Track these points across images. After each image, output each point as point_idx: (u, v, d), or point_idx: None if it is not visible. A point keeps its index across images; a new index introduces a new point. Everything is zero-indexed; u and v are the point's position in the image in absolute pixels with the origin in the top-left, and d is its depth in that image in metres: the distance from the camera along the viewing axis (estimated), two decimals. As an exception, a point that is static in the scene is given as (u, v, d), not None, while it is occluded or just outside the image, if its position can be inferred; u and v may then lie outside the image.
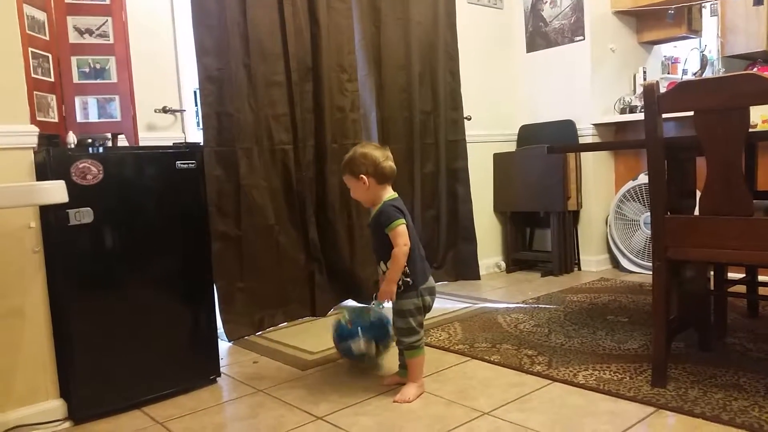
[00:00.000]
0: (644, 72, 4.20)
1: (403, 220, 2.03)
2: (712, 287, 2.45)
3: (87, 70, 2.27)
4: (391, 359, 2.32)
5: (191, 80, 2.96)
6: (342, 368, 2.42)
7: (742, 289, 2.62)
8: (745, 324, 2.66)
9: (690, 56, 4.33)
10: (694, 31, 4.05)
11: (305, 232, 3.14)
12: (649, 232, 3.74)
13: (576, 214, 4.14)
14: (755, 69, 4.07)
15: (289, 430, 1.89)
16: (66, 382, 2.02)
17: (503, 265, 4.31)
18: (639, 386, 2.03)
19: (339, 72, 3.24)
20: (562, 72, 4.13)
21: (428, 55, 3.72)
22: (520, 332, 2.73)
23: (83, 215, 1.98)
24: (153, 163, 2.15)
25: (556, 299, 3.33)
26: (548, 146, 2.75)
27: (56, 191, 1.62)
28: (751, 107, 1.81)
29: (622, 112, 4.06)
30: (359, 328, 2.22)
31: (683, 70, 4.41)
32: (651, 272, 2.06)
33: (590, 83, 4.01)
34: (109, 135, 2.30)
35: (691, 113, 1.89)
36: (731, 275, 2.57)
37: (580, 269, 4.16)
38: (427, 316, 2.73)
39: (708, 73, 4.06)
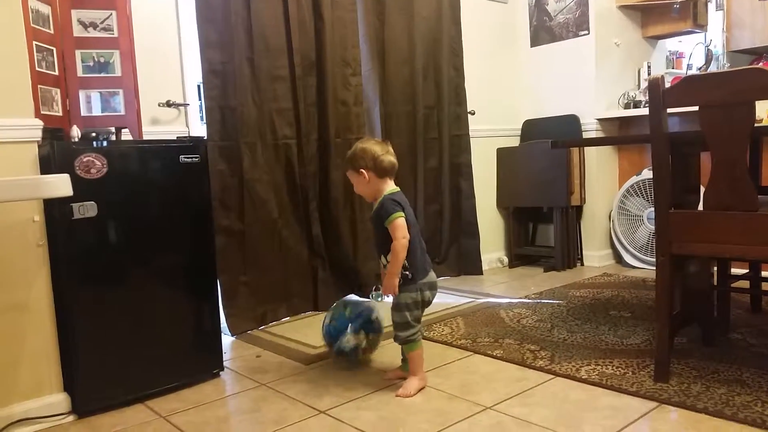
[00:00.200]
0: (649, 67, 4.18)
1: (402, 213, 2.03)
2: (715, 282, 2.44)
3: (91, 63, 2.27)
4: (392, 354, 2.33)
5: (195, 74, 2.96)
6: (344, 363, 2.43)
7: (745, 284, 2.62)
8: (749, 319, 2.66)
9: (695, 51, 4.31)
10: (700, 25, 4.03)
11: (308, 227, 3.14)
12: (652, 227, 3.73)
13: (579, 210, 4.14)
14: (761, 64, 4.06)
15: (292, 423, 1.89)
16: (70, 375, 2.03)
17: (506, 260, 4.31)
18: (642, 381, 2.03)
19: (343, 66, 3.23)
20: (566, 67, 4.12)
21: (432, 50, 3.71)
22: (522, 327, 2.73)
23: (87, 209, 1.98)
24: (157, 157, 2.15)
25: (558, 294, 3.33)
26: (552, 141, 2.75)
27: (61, 185, 1.62)
28: (756, 102, 1.80)
29: (627, 107, 4.05)
30: (344, 323, 2.27)
31: (688, 64, 4.39)
32: (654, 267, 2.06)
33: (594, 78, 4.00)
34: (113, 129, 2.30)
35: (696, 108, 1.88)
36: (735, 271, 2.57)
37: (583, 264, 4.15)
38: (430, 310, 2.74)
39: (713, 68, 4.04)
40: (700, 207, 1.97)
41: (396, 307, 2.08)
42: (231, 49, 2.83)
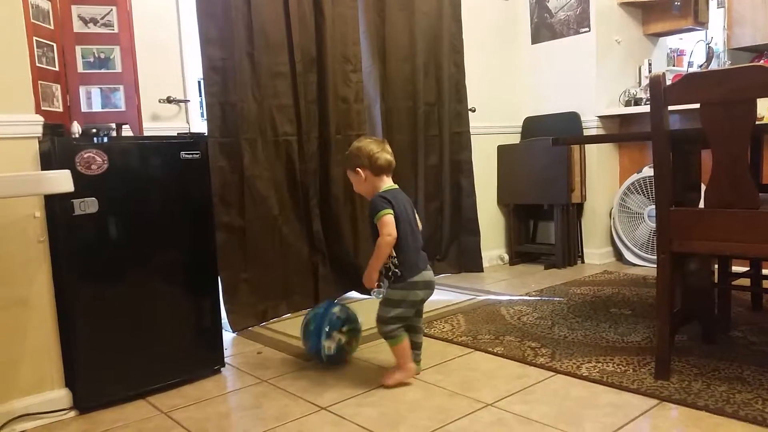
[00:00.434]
0: (650, 64, 4.18)
1: (390, 210, 2.03)
2: (716, 280, 2.44)
3: (91, 59, 2.26)
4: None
5: (195, 70, 2.95)
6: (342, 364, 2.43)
7: (746, 282, 2.62)
8: (749, 317, 2.66)
9: (696, 48, 4.31)
10: (701, 23, 4.03)
11: (309, 224, 3.14)
12: (653, 225, 3.73)
13: (580, 207, 4.13)
14: (762, 61, 4.05)
15: (293, 420, 1.90)
16: (71, 371, 2.03)
17: (506, 257, 4.31)
18: (642, 378, 2.03)
19: (343, 63, 3.23)
20: (567, 64, 4.12)
21: (433, 46, 3.70)
22: (523, 324, 2.73)
23: (88, 205, 1.98)
24: (157, 153, 2.15)
25: (559, 292, 3.33)
26: (553, 138, 2.75)
27: (62, 180, 1.62)
28: (757, 99, 1.80)
29: (627, 104, 4.04)
30: (314, 339, 2.27)
31: (689, 62, 4.39)
32: (655, 265, 2.06)
33: (595, 75, 3.99)
34: (113, 125, 2.29)
35: (697, 106, 1.88)
36: (735, 268, 2.57)
37: (583, 262, 4.16)
38: (431, 307, 2.75)
39: (714, 66, 4.04)
40: (701, 205, 1.97)
41: (384, 302, 2.11)
42: (231, 45, 2.82)
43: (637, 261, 3.94)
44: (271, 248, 3.00)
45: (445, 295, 3.36)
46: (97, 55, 2.28)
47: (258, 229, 2.94)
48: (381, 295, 2.16)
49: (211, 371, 2.33)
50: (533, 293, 3.33)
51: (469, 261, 3.95)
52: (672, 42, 4.54)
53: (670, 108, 1.95)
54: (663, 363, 2.02)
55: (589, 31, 3.98)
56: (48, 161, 1.94)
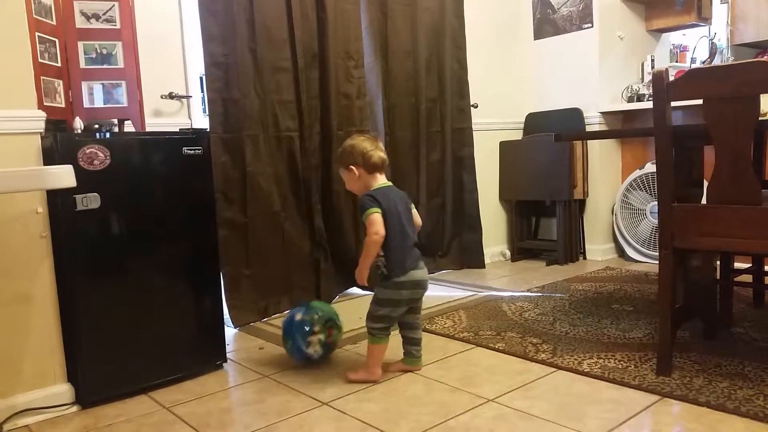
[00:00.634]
0: (652, 60, 4.17)
1: (377, 209, 2.03)
2: (718, 276, 2.44)
3: (94, 55, 2.26)
4: (393, 346, 2.33)
5: (198, 66, 2.95)
6: (347, 355, 2.44)
7: (748, 278, 2.61)
8: (751, 313, 2.66)
9: (699, 44, 4.29)
10: (704, 18, 4.01)
11: (311, 220, 3.14)
12: (655, 221, 3.73)
13: (582, 203, 4.13)
14: (765, 57, 4.04)
15: (295, 415, 1.90)
16: (73, 366, 2.03)
17: (508, 253, 4.31)
18: (644, 375, 2.03)
19: (345, 58, 3.22)
20: (569, 60, 4.11)
21: (435, 42, 3.70)
22: (524, 320, 2.73)
23: (90, 200, 1.98)
24: (160, 149, 2.15)
25: (561, 288, 3.33)
26: (555, 134, 2.74)
27: (65, 176, 1.62)
28: (760, 95, 1.79)
29: (630, 100, 4.03)
30: (294, 341, 2.25)
31: (692, 58, 4.37)
32: (657, 262, 2.06)
33: (598, 71, 3.98)
34: (115, 120, 2.30)
35: (700, 101, 1.87)
36: (737, 265, 2.57)
37: (585, 258, 4.15)
38: (432, 303, 2.74)
39: (717, 62, 4.03)
40: (704, 201, 1.96)
41: (372, 299, 2.12)
42: (233, 41, 2.82)
43: (639, 257, 3.94)
44: (272, 244, 3.00)
45: (446, 291, 3.36)
46: (99, 51, 2.28)
47: (260, 225, 2.94)
48: None
49: (212, 366, 2.33)
50: (535, 289, 3.33)
51: (470, 257, 3.95)
52: (675, 38, 4.52)
53: (673, 104, 1.95)
54: (664, 359, 2.02)
55: (592, 26, 3.97)
56: (50, 157, 1.94)
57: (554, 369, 2.15)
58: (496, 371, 2.17)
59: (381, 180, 2.14)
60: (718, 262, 2.45)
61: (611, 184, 4.14)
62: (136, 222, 2.10)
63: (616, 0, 4.04)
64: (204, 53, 2.78)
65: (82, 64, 2.26)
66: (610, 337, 2.43)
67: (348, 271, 3.29)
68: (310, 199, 3.12)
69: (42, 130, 1.97)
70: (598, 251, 4.12)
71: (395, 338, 2.29)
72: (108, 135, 2.06)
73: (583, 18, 4.00)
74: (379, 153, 2.12)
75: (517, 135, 4.36)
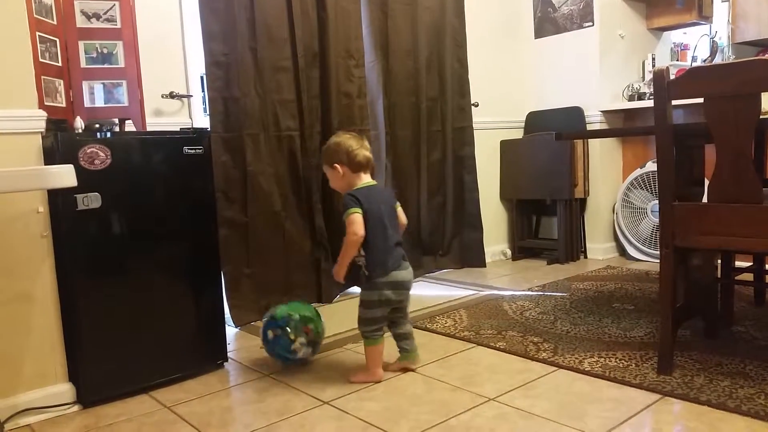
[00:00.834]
0: (653, 59, 4.16)
1: (357, 210, 2.02)
2: (719, 275, 2.44)
3: (94, 54, 2.26)
4: (390, 345, 2.33)
5: (198, 65, 2.95)
6: (348, 354, 2.44)
7: (749, 277, 2.61)
8: (752, 312, 2.66)
9: (700, 43, 4.29)
10: (705, 17, 4.01)
11: (311, 219, 3.14)
12: (656, 220, 3.73)
13: (583, 202, 4.13)
14: (766, 56, 4.03)
15: (296, 414, 1.90)
16: (74, 366, 2.03)
17: (509, 252, 4.31)
18: (645, 373, 2.03)
19: (346, 58, 3.22)
20: (570, 58, 4.11)
21: (436, 41, 3.70)
22: (525, 319, 2.73)
23: (91, 200, 1.99)
24: (160, 148, 2.15)
25: (562, 287, 3.33)
26: (556, 133, 2.74)
27: (65, 175, 1.62)
28: (762, 94, 1.79)
29: (631, 99, 4.03)
30: (279, 355, 2.25)
31: (693, 56, 4.37)
32: (657, 260, 2.06)
33: (599, 70, 3.98)
34: (116, 120, 2.30)
35: (701, 100, 1.87)
36: (738, 263, 2.57)
37: (586, 257, 4.15)
38: (434, 302, 2.74)
39: (718, 60, 4.02)
40: (705, 199, 1.96)
41: (360, 303, 2.13)
42: (234, 40, 2.82)
43: (640, 256, 3.93)
44: (273, 244, 3.00)
45: (447, 290, 3.36)
46: (99, 51, 2.28)
47: (261, 225, 2.94)
48: None
49: (213, 366, 2.34)
50: (536, 288, 3.33)
51: (471, 256, 3.94)
52: (676, 36, 4.52)
53: (674, 102, 1.94)
54: (665, 358, 2.02)
55: (593, 25, 3.96)
56: (51, 156, 1.94)
57: (555, 368, 2.15)
58: (496, 370, 2.17)
59: (365, 179, 2.13)
60: (719, 261, 2.45)
61: (612, 183, 4.13)
62: (137, 221, 2.10)
63: (617, -2, 4.04)
64: (204, 52, 2.78)
65: (83, 64, 2.26)
66: (611, 336, 2.43)
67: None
68: (310, 198, 3.12)
69: (43, 130, 1.97)
70: (599, 250, 4.12)
71: (389, 340, 2.30)
72: (109, 134, 2.06)
73: (583, 16, 4.00)
74: (364, 152, 2.11)
75: (518, 134, 4.36)
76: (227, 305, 2.77)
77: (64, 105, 2.20)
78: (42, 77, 2.05)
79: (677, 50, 4.49)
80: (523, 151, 4.19)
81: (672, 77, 1.93)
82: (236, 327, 2.86)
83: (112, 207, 2.03)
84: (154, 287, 2.15)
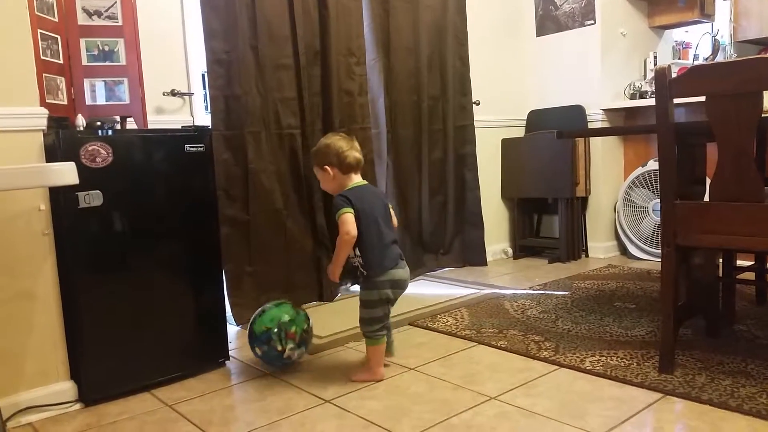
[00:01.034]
0: (655, 57, 4.16)
1: (349, 209, 2.03)
2: (720, 274, 2.44)
3: (96, 52, 2.26)
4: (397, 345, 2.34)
5: (199, 63, 2.95)
6: (349, 353, 2.44)
7: (751, 276, 2.61)
8: (754, 311, 2.66)
9: (702, 41, 4.28)
10: (707, 15, 4.00)
11: (313, 217, 3.14)
12: (657, 218, 3.72)
13: (584, 201, 4.13)
14: (768, 54, 4.02)
15: (298, 412, 1.90)
16: (76, 364, 2.04)
17: (510, 251, 4.31)
18: (646, 372, 2.03)
19: (347, 56, 3.22)
20: (572, 56, 4.10)
21: (437, 39, 3.69)
22: (527, 318, 2.73)
23: (92, 198, 1.99)
24: (162, 146, 2.15)
25: (563, 285, 3.33)
26: (557, 131, 2.74)
27: (67, 173, 1.62)
28: (763, 92, 1.79)
29: (632, 97, 4.03)
30: (271, 362, 2.24)
31: (694, 55, 4.36)
32: (659, 259, 2.06)
33: (600, 68, 3.97)
34: (117, 118, 2.30)
35: (703, 98, 1.87)
36: (740, 262, 2.57)
37: (587, 256, 4.15)
38: (435, 301, 2.74)
39: (720, 59, 4.02)
40: (706, 198, 1.96)
41: (360, 303, 2.13)
42: (235, 38, 2.82)
43: (642, 255, 3.93)
44: (275, 242, 3.00)
45: (448, 289, 3.36)
46: (101, 48, 2.28)
47: (262, 223, 2.94)
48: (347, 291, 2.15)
49: (215, 364, 2.34)
50: (537, 287, 3.33)
51: (472, 255, 3.94)
52: (678, 34, 4.52)
53: (676, 101, 1.94)
54: (667, 357, 2.02)
55: (595, 23, 3.96)
56: (53, 154, 1.94)
57: (556, 367, 2.15)
58: (498, 369, 2.17)
59: (356, 179, 2.14)
60: (721, 260, 2.45)
61: (613, 182, 4.13)
62: (139, 219, 2.10)
63: (619, -3, 4.03)
64: (206, 50, 2.77)
65: (84, 61, 2.26)
66: (613, 335, 2.43)
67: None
68: (312, 196, 3.12)
69: (44, 128, 1.97)
70: (600, 249, 4.11)
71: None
72: (110, 132, 2.06)
73: (585, 15, 3.99)
74: (354, 153, 2.12)
75: (520, 132, 4.35)
76: (228, 303, 2.77)
77: (65, 102, 2.20)
78: (43, 75, 2.05)
79: (679, 48, 4.48)
80: (524, 149, 4.19)
81: (674, 76, 1.92)
82: (237, 325, 2.86)
83: (113, 205, 2.03)
84: (155, 285, 2.15)
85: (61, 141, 1.92)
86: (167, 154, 2.16)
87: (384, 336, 2.14)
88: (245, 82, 2.85)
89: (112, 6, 2.26)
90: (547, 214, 4.34)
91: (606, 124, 4.03)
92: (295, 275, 3.09)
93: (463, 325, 2.67)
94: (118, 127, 2.28)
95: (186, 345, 2.24)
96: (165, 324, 2.18)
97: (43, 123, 1.96)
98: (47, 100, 2.06)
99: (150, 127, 2.44)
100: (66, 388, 2.03)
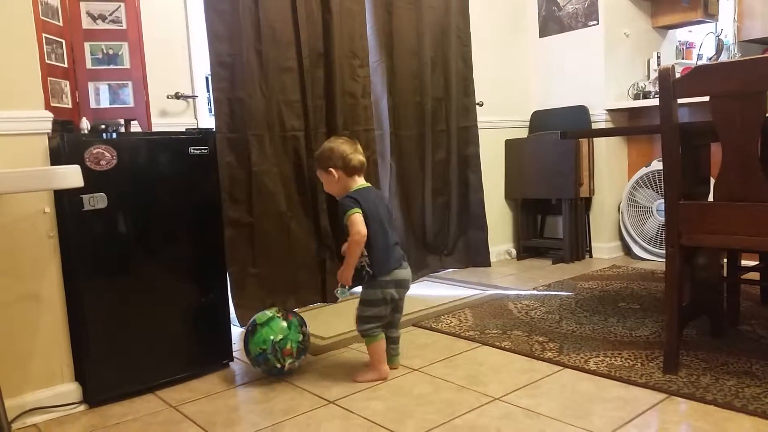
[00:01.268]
0: (658, 57, 4.15)
1: (357, 210, 2.05)
2: (725, 274, 2.43)
3: (100, 55, 2.27)
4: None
5: (203, 66, 2.96)
6: (353, 354, 2.44)
7: (755, 276, 2.60)
8: (758, 311, 2.65)
9: (705, 41, 4.27)
10: (710, 15, 4.00)
11: (316, 219, 3.14)
12: (661, 219, 3.72)
13: (588, 201, 4.12)
14: (772, 54, 4.02)
15: (302, 413, 1.91)
16: (81, 365, 2.05)
17: (514, 252, 4.30)
18: (650, 373, 2.02)
19: (351, 58, 3.22)
20: (575, 57, 4.10)
21: (440, 41, 3.69)
22: (531, 319, 2.73)
23: (97, 200, 1.99)
24: (166, 149, 2.16)
25: (567, 286, 3.33)
26: (561, 132, 2.74)
27: (72, 176, 1.63)
28: (768, 92, 1.79)
29: (636, 97, 4.02)
30: (270, 373, 2.21)
31: (698, 55, 4.36)
32: (663, 260, 2.05)
33: (604, 68, 3.97)
34: (122, 121, 2.31)
35: (707, 98, 1.86)
36: (745, 262, 2.56)
37: (591, 256, 4.14)
38: (438, 302, 2.74)
39: (723, 58, 4.02)
40: (710, 198, 1.95)
41: (360, 301, 2.14)
42: (239, 41, 2.82)
43: (646, 255, 3.92)
44: (279, 244, 3.00)
45: (452, 290, 3.36)
46: (105, 52, 2.29)
47: (266, 225, 2.95)
48: (344, 294, 2.15)
49: (219, 365, 2.34)
50: (541, 288, 3.32)
51: (476, 255, 3.94)
52: (681, 34, 4.51)
53: (680, 101, 1.94)
54: (671, 357, 2.01)
55: (598, 24, 3.95)
56: (57, 157, 1.95)
57: (560, 367, 2.15)
58: (502, 370, 2.17)
59: (360, 182, 2.16)
60: (725, 260, 2.44)
61: (617, 182, 4.12)
62: (143, 221, 2.11)
63: (622, -3, 4.03)
64: (210, 53, 2.78)
65: (89, 65, 2.27)
66: (617, 336, 2.42)
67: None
68: (315, 198, 3.12)
69: (49, 131, 1.98)
70: (604, 249, 4.11)
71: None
72: (114, 135, 2.07)
73: (588, 15, 3.99)
74: (358, 156, 2.14)
75: (523, 133, 4.35)
76: (233, 305, 2.78)
77: (70, 106, 2.21)
78: (48, 78, 2.06)
79: (683, 48, 4.48)
80: (528, 150, 4.18)
81: (677, 76, 1.92)
82: (242, 327, 2.86)
83: (118, 207, 2.04)
84: (159, 287, 2.16)
85: (65, 144, 1.93)
86: (171, 157, 2.17)
87: (381, 332, 2.14)
88: (249, 85, 2.85)
89: (116, 10, 2.27)
90: (551, 214, 4.33)
91: (610, 125, 4.02)
92: (299, 277, 3.09)
93: (467, 326, 2.67)
94: (123, 130, 2.29)
95: (190, 346, 2.24)
96: (169, 326, 2.19)
97: (48, 126, 1.97)
98: (52, 104, 2.07)
99: (154, 129, 2.46)
100: (71, 389, 2.04)
